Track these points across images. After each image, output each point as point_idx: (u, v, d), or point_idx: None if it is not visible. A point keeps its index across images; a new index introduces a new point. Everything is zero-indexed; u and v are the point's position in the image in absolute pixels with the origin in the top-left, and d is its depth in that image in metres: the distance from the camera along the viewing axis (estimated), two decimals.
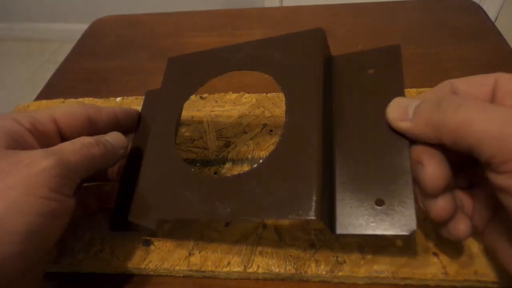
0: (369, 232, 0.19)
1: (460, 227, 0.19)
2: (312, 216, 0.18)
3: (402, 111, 0.20)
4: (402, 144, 0.20)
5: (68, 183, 0.20)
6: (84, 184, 0.27)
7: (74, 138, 0.23)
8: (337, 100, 0.23)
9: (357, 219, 0.19)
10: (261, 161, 0.22)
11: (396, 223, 0.19)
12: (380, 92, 0.22)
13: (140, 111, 0.30)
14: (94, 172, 0.23)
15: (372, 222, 0.19)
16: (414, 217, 0.18)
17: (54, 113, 0.24)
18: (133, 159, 0.27)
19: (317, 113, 0.21)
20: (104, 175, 0.29)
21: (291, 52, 0.24)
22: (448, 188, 0.19)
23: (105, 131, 0.26)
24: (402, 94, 0.21)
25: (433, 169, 0.19)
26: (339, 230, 0.20)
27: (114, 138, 0.25)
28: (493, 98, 0.20)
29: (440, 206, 0.19)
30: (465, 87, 0.21)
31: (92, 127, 0.25)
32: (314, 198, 0.19)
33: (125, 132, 0.27)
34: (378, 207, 0.19)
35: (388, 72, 0.22)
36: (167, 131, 0.26)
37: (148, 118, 0.29)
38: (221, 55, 0.28)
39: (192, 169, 0.24)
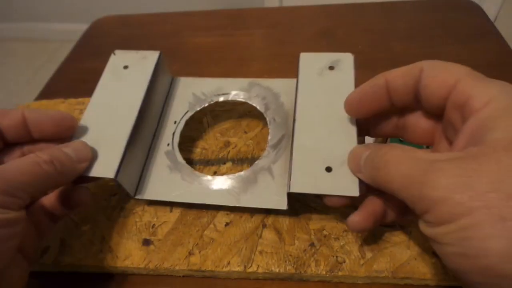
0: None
1: (355, 218, 0.22)
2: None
3: (356, 163, 0.22)
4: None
5: (13, 200, 0.20)
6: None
7: None
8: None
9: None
10: None
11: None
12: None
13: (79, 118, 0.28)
14: (52, 188, 0.24)
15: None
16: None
17: None
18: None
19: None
20: None
21: None
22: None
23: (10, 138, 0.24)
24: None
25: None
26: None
27: (76, 150, 0.23)
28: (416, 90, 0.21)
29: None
30: (395, 80, 0.22)
31: None
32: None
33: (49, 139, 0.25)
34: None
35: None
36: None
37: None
38: None
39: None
